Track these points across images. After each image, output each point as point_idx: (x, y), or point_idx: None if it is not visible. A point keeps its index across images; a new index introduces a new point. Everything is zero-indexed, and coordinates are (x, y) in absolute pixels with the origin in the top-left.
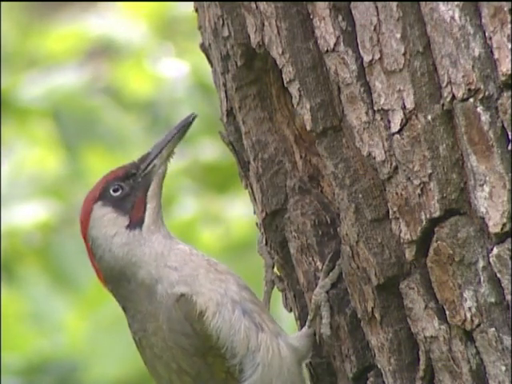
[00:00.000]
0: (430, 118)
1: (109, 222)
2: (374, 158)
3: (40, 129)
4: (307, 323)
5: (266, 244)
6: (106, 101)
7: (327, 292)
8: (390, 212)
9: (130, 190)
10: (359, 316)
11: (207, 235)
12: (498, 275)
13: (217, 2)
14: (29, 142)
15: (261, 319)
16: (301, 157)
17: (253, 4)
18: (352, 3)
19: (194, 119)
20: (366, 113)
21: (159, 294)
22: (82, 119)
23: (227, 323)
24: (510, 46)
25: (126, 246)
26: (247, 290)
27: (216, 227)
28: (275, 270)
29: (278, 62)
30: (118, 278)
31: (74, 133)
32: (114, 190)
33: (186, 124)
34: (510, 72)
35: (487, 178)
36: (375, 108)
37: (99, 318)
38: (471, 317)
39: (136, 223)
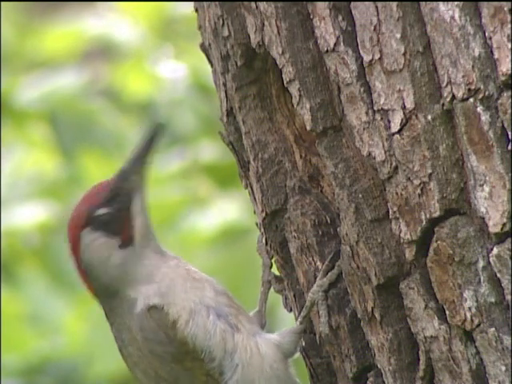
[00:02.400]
0: (430, 118)
1: (101, 246)
2: (374, 157)
3: (37, 132)
4: (299, 319)
5: (266, 244)
6: (103, 103)
7: (325, 291)
8: (390, 212)
9: (114, 211)
10: (359, 316)
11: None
12: (498, 275)
13: (217, 2)
14: (26, 145)
15: (237, 320)
16: (301, 157)
17: (253, 4)
18: (352, 3)
19: (162, 129)
20: (366, 113)
21: (138, 307)
22: (79, 122)
23: (202, 329)
24: (510, 46)
25: (121, 267)
26: (224, 295)
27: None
28: (273, 270)
29: (278, 62)
30: (108, 294)
31: (71, 136)
32: (100, 215)
33: (155, 135)
34: (510, 72)
35: (487, 178)
36: (375, 108)
37: (98, 316)
38: (471, 317)
39: (128, 242)
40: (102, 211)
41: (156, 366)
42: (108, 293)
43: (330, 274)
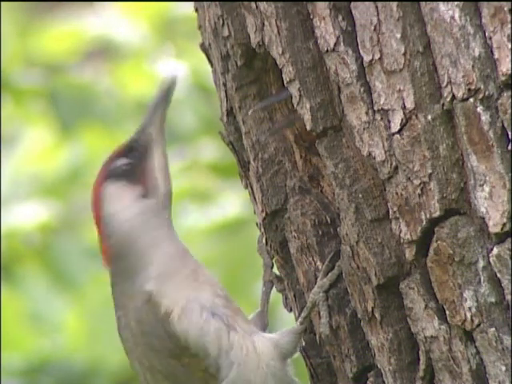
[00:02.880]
0: (430, 117)
1: (122, 194)
2: (374, 157)
3: (37, 109)
4: (299, 319)
5: (266, 244)
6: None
7: (325, 292)
8: (390, 212)
9: (133, 161)
10: (359, 316)
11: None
12: (498, 275)
13: (217, 2)
14: (28, 126)
15: (233, 321)
16: (301, 157)
17: (253, 4)
18: (352, 3)
19: (175, 81)
20: (366, 113)
21: (139, 281)
22: (79, 98)
23: (195, 325)
24: (510, 46)
25: (140, 216)
26: (223, 298)
27: (206, 205)
28: (274, 270)
29: (278, 62)
30: (122, 255)
31: (71, 112)
32: (121, 165)
33: (169, 87)
34: (510, 72)
35: (487, 178)
36: (375, 108)
37: (98, 314)
38: (471, 317)
39: (151, 190)
40: (120, 162)
41: (150, 356)
42: (122, 253)
43: (330, 274)
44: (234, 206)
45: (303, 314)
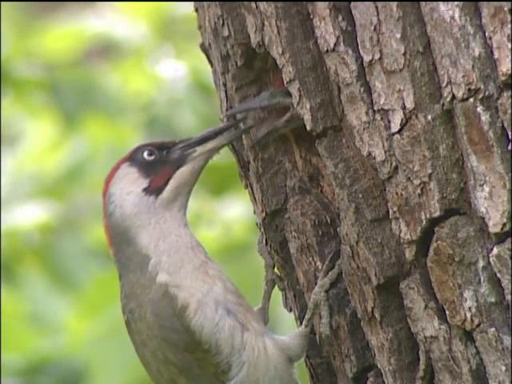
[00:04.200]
0: (430, 118)
1: (129, 181)
2: (374, 157)
3: (39, 100)
4: (304, 322)
5: (266, 244)
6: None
7: (326, 292)
8: (390, 212)
9: (160, 159)
10: (359, 316)
11: (204, 235)
12: (498, 275)
13: (217, 2)
14: (29, 118)
15: (246, 319)
16: (301, 157)
17: (253, 4)
18: (352, 3)
19: (248, 129)
20: (366, 113)
21: (149, 271)
22: (81, 88)
23: (210, 321)
24: (510, 46)
25: (136, 207)
26: (234, 293)
27: (211, 228)
28: (275, 270)
29: (278, 62)
30: (120, 239)
31: (73, 102)
32: (145, 154)
33: (236, 128)
34: (510, 72)
35: (487, 178)
36: (375, 108)
37: (100, 324)
38: (471, 317)
39: (153, 190)
40: (147, 152)
41: (165, 348)
42: (119, 238)
43: (330, 273)
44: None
45: (307, 317)
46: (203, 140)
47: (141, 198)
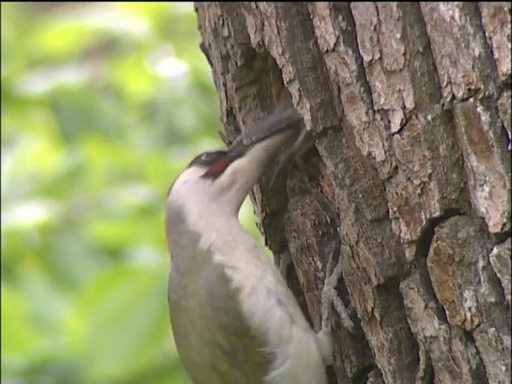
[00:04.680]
0: (430, 118)
1: (187, 174)
2: (374, 157)
3: (39, 119)
4: (323, 323)
5: (266, 244)
6: (105, 98)
7: (336, 288)
8: (390, 212)
9: (216, 157)
10: (359, 316)
11: None
12: (498, 275)
13: (217, 2)
14: (28, 134)
15: (294, 312)
16: (301, 157)
17: (253, 4)
18: (352, 3)
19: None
20: (366, 113)
21: (200, 248)
22: (81, 109)
23: (262, 308)
24: (510, 46)
25: (191, 188)
26: (283, 285)
27: None
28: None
29: (278, 62)
30: (175, 220)
31: (73, 123)
32: (203, 157)
33: (294, 128)
34: (510, 72)
35: (487, 178)
36: (375, 108)
37: (99, 315)
38: (471, 317)
39: (210, 175)
40: (205, 155)
41: (215, 332)
42: (175, 218)
43: (335, 269)
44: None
45: (324, 317)
46: (261, 139)
47: (197, 181)
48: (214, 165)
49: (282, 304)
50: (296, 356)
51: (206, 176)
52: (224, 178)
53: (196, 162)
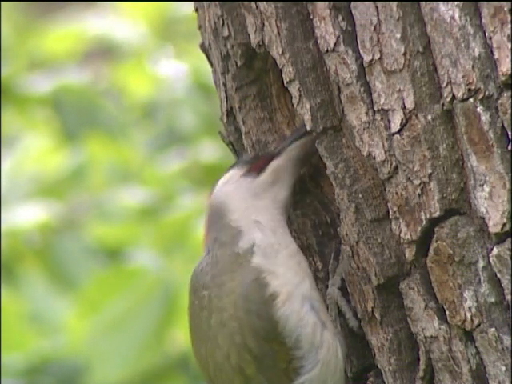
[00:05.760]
0: (430, 117)
1: (228, 175)
2: (374, 157)
3: (41, 117)
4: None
5: None
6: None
7: (339, 288)
8: (390, 212)
9: (256, 157)
10: (359, 316)
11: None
12: (498, 275)
13: (217, 2)
14: (30, 132)
15: (325, 317)
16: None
17: (253, 4)
18: (352, 3)
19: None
20: (366, 113)
21: (242, 246)
22: (84, 108)
23: (296, 314)
24: (510, 46)
25: (233, 186)
26: (317, 291)
27: None
28: None
29: (278, 62)
30: (216, 216)
31: (76, 121)
32: (243, 157)
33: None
34: (510, 72)
35: (487, 178)
36: (375, 108)
37: (100, 320)
38: (471, 317)
39: (252, 173)
40: (246, 155)
41: (246, 335)
42: (215, 216)
43: (337, 270)
44: None
45: (331, 318)
46: (296, 139)
47: (238, 180)
48: (254, 164)
49: (315, 310)
50: (325, 361)
51: (247, 174)
52: (265, 175)
53: (236, 163)
